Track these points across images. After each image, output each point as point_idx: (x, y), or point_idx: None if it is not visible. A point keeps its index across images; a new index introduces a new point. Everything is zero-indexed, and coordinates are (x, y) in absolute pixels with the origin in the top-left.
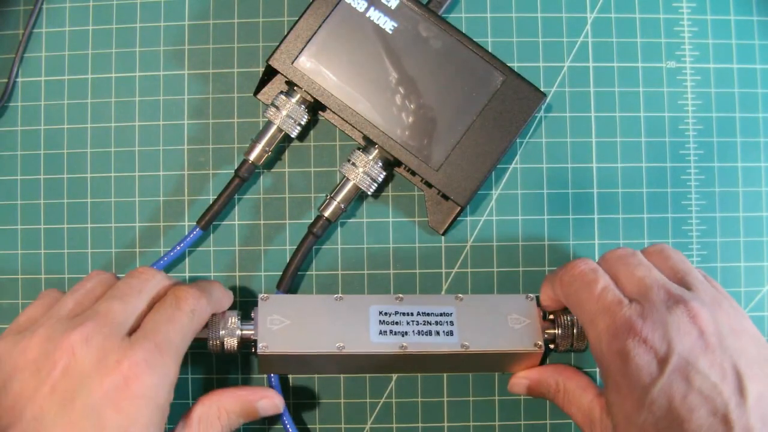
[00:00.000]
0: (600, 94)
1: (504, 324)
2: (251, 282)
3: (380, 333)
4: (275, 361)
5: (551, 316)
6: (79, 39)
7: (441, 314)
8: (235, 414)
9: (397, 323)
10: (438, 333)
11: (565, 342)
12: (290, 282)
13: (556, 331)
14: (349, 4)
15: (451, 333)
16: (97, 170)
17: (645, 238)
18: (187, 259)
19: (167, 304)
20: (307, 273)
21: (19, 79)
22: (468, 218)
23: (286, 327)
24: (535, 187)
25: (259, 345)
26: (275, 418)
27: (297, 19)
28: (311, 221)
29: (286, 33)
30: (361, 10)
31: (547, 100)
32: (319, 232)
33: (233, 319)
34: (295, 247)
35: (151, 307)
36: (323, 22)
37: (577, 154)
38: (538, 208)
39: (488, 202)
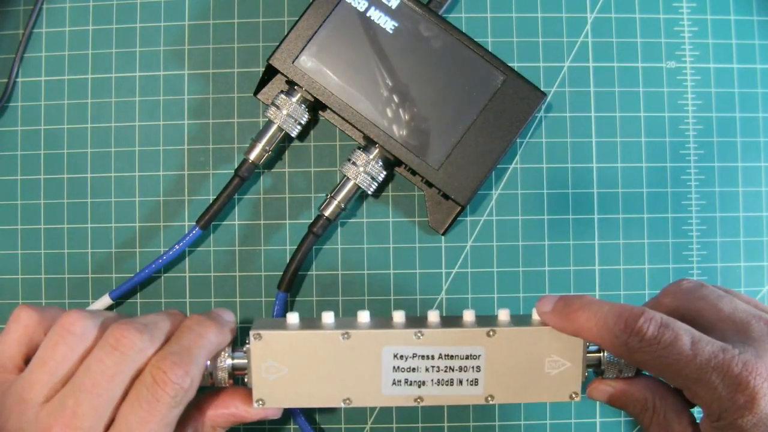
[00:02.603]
0: (600, 94)
1: (539, 369)
2: (251, 282)
3: (393, 383)
4: None
5: None
6: (79, 39)
7: (467, 356)
8: (227, 426)
9: (413, 370)
10: (461, 382)
11: (612, 367)
12: (291, 282)
13: (601, 355)
14: (350, 3)
15: (475, 382)
16: (97, 170)
17: (645, 238)
18: (186, 259)
19: (142, 394)
20: (308, 273)
21: (19, 79)
22: (468, 218)
23: (284, 376)
24: (535, 187)
25: (255, 399)
26: (283, 419)
27: (297, 18)
28: (311, 221)
29: (286, 32)
30: (362, 9)
31: (547, 100)
32: (320, 231)
33: (224, 350)
34: (295, 247)
35: (129, 387)
36: (324, 21)
37: (577, 154)
38: (538, 208)
39: (488, 202)
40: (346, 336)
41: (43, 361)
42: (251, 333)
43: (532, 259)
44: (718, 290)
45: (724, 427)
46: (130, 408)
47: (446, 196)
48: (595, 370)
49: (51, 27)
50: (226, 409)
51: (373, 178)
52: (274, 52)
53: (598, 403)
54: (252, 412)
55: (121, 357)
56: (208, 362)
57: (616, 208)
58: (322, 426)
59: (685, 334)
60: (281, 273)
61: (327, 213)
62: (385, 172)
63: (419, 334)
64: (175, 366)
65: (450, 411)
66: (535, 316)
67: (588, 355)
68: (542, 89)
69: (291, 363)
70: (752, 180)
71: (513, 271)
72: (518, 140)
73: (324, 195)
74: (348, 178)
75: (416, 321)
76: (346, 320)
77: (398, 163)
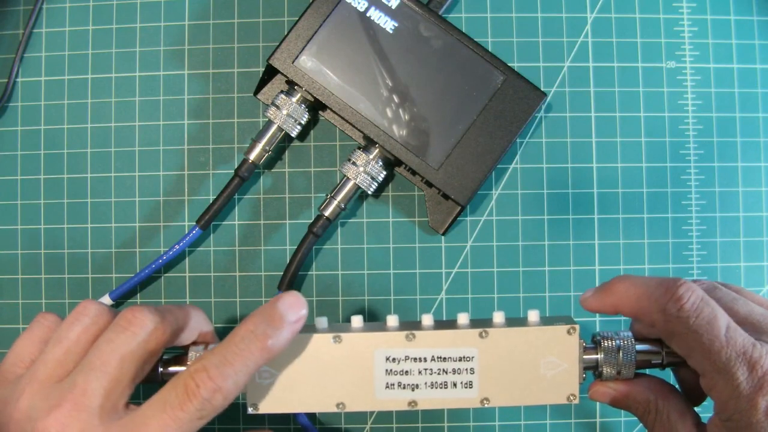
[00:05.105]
0: (600, 94)
1: (535, 370)
2: (251, 282)
3: (387, 386)
4: None
5: (594, 339)
6: (79, 39)
7: (460, 358)
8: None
9: (406, 373)
10: (455, 384)
11: (610, 369)
12: (291, 282)
13: (599, 356)
14: (350, 3)
15: (470, 384)
16: (97, 170)
17: (645, 238)
18: (186, 259)
19: (170, 400)
20: (308, 273)
21: (19, 79)
22: (468, 218)
23: (277, 381)
24: (535, 187)
25: (249, 404)
26: (284, 419)
27: (297, 18)
28: (311, 221)
29: (286, 32)
30: (362, 9)
31: (547, 100)
32: (320, 231)
33: None
34: (295, 247)
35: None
36: (324, 21)
37: (577, 154)
38: (538, 208)
39: (488, 202)
40: (337, 339)
41: (58, 340)
42: None
43: (532, 259)
44: (731, 293)
45: (736, 428)
46: (152, 408)
47: (446, 196)
48: (593, 371)
49: (51, 27)
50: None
51: (373, 178)
52: (274, 52)
53: (598, 403)
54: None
55: (131, 336)
56: None
57: (616, 208)
58: (323, 426)
59: (723, 317)
60: (281, 273)
61: (327, 213)
62: (385, 172)
63: (411, 336)
64: (210, 381)
65: (450, 411)
66: (531, 318)
67: (585, 356)
68: (542, 89)
69: (283, 367)
70: (752, 180)
71: (513, 271)
72: (518, 140)
73: (324, 195)
74: (348, 178)
75: (410, 325)
76: (339, 325)
77: (398, 163)
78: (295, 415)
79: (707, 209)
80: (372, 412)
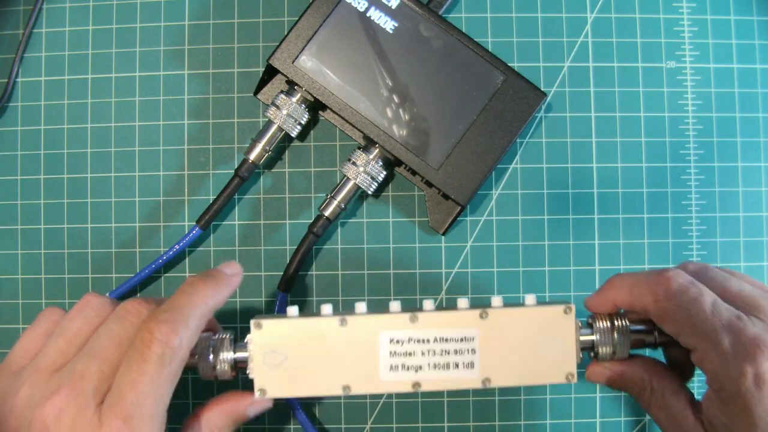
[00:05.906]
0: (600, 94)
1: (534, 350)
2: (251, 282)
3: (391, 368)
4: None
5: (589, 321)
6: (79, 39)
7: (462, 339)
8: (226, 427)
9: (410, 354)
10: (457, 365)
11: (606, 349)
12: (291, 282)
13: (595, 337)
14: (350, 3)
15: (471, 365)
16: (97, 170)
17: (645, 238)
18: (186, 259)
19: (132, 357)
20: (308, 273)
21: (19, 79)
22: (468, 218)
23: (284, 365)
24: (535, 187)
25: (256, 389)
26: (283, 418)
27: (298, 18)
28: (311, 221)
29: (286, 32)
30: (362, 9)
31: (547, 100)
32: (320, 231)
33: (226, 343)
34: (295, 247)
35: None
36: (324, 21)
37: (577, 154)
38: (538, 208)
39: (488, 202)
40: (343, 322)
41: (61, 332)
42: (252, 322)
43: (532, 259)
44: (724, 272)
45: (728, 398)
46: (121, 372)
47: (446, 196)
48: (589, 352)
49: (51, 27)
50: (220, 405)
51: (373, 178)
52: (274, 52)
53: (598, 402)
54: (246, 404)
55: (129, 325)
56: (211, 356)
57: (616, 208)
58: (323, 425)
59: (709, 295)
60: (281, 273)
61: (327, 213)
62: (385, 172)
63: (414, 318)
64: (161, 324)
65: (450, 411)
66: (528, 301)
67: (581, 337)
68: (542, 89)
69: (290, 351)
70: (752, 180)
71: (513, 271)
72: (518, 140)
73: (324, 195)
74: (348, 178)
75: (412, 310)
76: (344, 311)
77: (398, 163)
78: (294, 415)
79: (707, 209)
80: (373, 410)
